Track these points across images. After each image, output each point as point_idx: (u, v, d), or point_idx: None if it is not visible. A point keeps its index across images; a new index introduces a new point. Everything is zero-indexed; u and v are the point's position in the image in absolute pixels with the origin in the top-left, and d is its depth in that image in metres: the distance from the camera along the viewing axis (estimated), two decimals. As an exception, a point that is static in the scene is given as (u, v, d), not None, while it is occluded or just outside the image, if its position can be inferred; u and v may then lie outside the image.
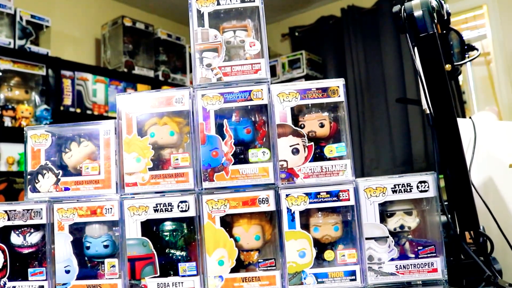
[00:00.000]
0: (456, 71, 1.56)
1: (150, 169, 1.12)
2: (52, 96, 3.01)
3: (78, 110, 3.16)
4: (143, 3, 4.02)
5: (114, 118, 1.17)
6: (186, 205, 1.09)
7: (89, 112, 3.22)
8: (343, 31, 3.99)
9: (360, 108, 3.85)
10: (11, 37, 2.86)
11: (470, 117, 1.44)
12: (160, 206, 1.10)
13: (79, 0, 3.70)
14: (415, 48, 1.19)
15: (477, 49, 1.68)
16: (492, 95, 3.45)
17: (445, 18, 1.39)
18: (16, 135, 2.85)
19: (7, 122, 2.75)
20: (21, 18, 2.90)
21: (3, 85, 2.84)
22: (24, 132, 1.21)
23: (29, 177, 1.19)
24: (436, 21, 1.17)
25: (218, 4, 1.18)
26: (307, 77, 3.98)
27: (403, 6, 1.15)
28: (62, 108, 3.07)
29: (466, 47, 1.73)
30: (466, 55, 1.75)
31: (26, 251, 1.18)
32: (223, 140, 1.11)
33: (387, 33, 3.68)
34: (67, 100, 3.11)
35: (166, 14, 4.28)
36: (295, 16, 4.56)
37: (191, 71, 3.95)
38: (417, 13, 1.12)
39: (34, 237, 1.18)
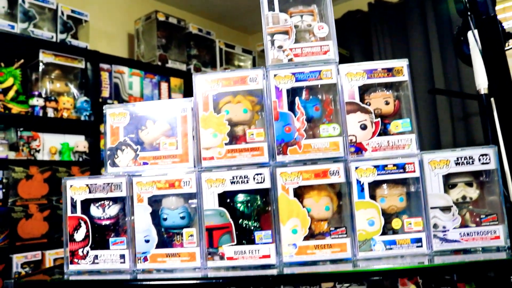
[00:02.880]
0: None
1: (226, 144, 1.20)
2: (91, 89, 3.11)
3: (116, 102, 3.26)
4: (174, -1, 4.12)
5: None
6: (261, 177, 1.16)
7: (125, 104, 3.30)
8: (370, 26, 4.04)
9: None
10: (53, 31, 2.96)
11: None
12: (236, 179, 1.17)
13: (112, -4, 3.80)
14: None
15: (515, 37, 1.74)
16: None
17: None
18: (58, 126, 2.95)
19: (50, 113, 2.85)
20: (62, 13, 3.00)
21: (45, 78, 2.94)
22: (104, 111, 1.29)
23: (108, 152, 1.28)
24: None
25: (287, -11, 1.25)
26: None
27: (465, -10, 1.21)
28: (100, 100, 3.17)
29: (505, 36, 1.79)
30: (506, 44, 1.80)
31: (105, 222, 1.25)
32: (295, 116, 1.19)
33: (414, 27, 3.72)
34: (105, 93, 3.21)
35: (197, 11, 4.36)
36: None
37: (221, 65, 4.05)
38: (479, -4, 1.17)
39: (113, 210, 1.25)
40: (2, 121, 2.76)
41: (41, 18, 2.92)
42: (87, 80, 3.11)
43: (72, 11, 3.07)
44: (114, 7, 3.79)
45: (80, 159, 3.02)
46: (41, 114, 2.81)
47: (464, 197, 1.16)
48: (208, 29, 3.96)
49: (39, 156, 2.83)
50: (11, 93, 2.73)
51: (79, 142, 2.99)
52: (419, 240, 1.13)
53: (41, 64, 2.89)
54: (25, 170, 2.67)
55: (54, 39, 2.94)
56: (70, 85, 3.07)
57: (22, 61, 2.82)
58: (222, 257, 1.16)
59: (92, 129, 3.06)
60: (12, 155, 2.71)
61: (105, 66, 3.21)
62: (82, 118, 3.00)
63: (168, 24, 3.61)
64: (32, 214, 2.68)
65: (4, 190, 2.65)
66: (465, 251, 1.12)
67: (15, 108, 2.72)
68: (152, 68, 3.47)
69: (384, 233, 1.14)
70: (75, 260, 1.23)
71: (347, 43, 4.22)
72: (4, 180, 2.66)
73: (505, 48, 1.72)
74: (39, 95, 2.82)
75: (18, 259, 2.60)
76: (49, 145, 2.92)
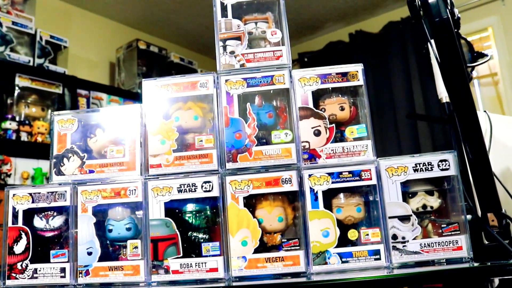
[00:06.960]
0: (468, 76, 1.60)
1: (174, 151, 1.14)
2: (68, 114, 3.07)
3: (93, 128, 3.21)
4: (156, 29, 4.15)
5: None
6: (210, 185, 1.10)
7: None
8: (351, 56, 4.08)
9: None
10: (30, 55, 2.95)
11: (485, 111, 1.46)
12: (184, 187, 1.11)
13: (95, 24, 3.83)
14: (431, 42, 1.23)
15: (486, 55, 1.72)
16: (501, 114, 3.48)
17: (456, 17, 1.44)
18: (32, 151, 2.88)
19: (24, 137, 2.79)
20: (41, 38, 3.00)
21: (20, 102, 2.91)
22: (51, 117, 1.24)
23: (54, 160, 1.22)
24: (449, 9, 1.20)
25: (241, -4, 1.23)
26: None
27: (418, -5, 1.20)
28: (77, 125, 3.12)
29: (476, 54, 1.78)
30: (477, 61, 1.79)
31: (48, 234, 1.18)
32: (246, 123, 1.14)
33: (395, 56, 3.76)
34: (82, 118, 3.16)
35: (178, 41, 4.40)
36: (304, 42, 4.69)
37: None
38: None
39: (57, 221, 1.18)
40: (-28, 144, 2.69)
41: (18, 42, 2.92)
42: (64, 105, 3.08)
43: (51, 36, 3.07)
44: (96, 36, 3.82)
45: (54, 186, 2.93)
46: (14, 138, 2.75)
47: (424, 206, 1.10)
48: (190, 59, 3.97)
49: (10, 181, 2.75)
50: (-17, 117, 2.68)
51: (52, 168, 2.92)
52: (377, 252, 1.05)
53: (16, 88, 2.85)
54: (-7, 195, 2.58)
55: (31, 63, 2.92)
56: (47, 110, 3.03)
57: (-4, 84, 2.79)
58: (167, 271, 1.08)
59: (67, 155, 2.99)
60: (-20, 180, 2.64)
61: (83, 92, 3.19)
62: (57, 143, 2.94)
63: (149, 52, 3.62)
64: (-2, 240, 2.57)
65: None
66: (428, 263, 1.05)
67: (-13, 132, 2.66)
68: (131, 95, 3.45)
69: (340, 245, 1.07)
70: (13, 274, 1.15)
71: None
72: (-29, 205, 2.57)
73: (475, 64, 1.71)
74: (12, 119, 2.77)
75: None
76: (21, 169, 2.84)
